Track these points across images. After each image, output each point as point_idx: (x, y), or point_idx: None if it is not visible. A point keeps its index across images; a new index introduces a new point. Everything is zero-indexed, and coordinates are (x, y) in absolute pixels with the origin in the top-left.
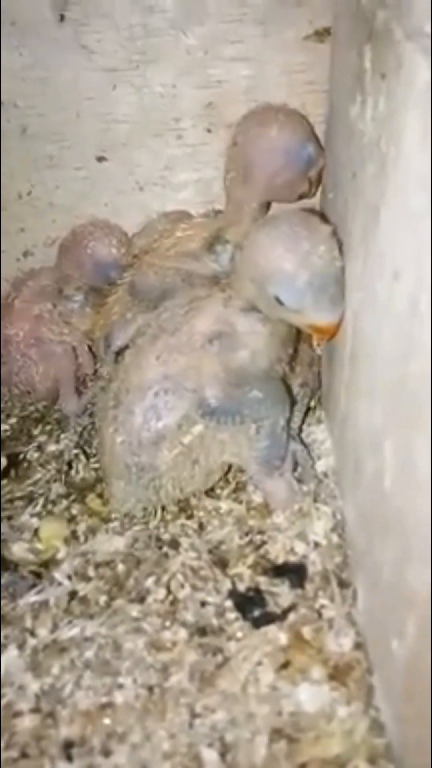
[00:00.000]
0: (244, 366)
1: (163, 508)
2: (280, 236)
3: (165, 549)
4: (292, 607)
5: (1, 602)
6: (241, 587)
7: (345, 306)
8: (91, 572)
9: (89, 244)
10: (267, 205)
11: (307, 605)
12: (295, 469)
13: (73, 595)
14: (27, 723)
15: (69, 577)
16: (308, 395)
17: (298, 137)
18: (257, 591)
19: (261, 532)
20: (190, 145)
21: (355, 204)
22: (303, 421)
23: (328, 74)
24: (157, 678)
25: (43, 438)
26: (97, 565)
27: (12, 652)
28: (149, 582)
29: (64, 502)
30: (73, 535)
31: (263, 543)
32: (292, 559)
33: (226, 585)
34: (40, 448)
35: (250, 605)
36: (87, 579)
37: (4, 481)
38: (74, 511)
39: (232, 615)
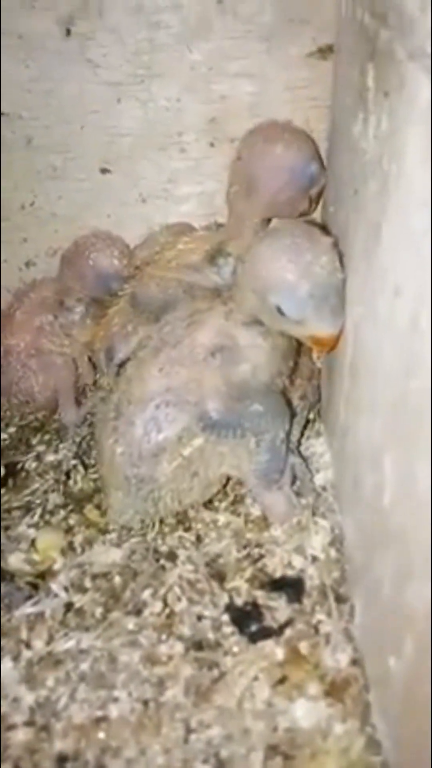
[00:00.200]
0: (245, 379)
1: (161, 521)
2: (282, 247)
3: (162, 561)
4: (289, 622)
5: None
6: (239, 601)
7: (345, 318)
8: (87, 584)
9: (91, 256)
10: (268, 220)
11: (304, 620)
12: (293, 483)
13: (69, 606)
14: (21, 736)
15: (65, 589)
16: (307, 408)
17: (302, 156)
18: (254, 605)
19: (259, 545)
20: (194, 158)
21: (356, 220)
22: (302, 434)
23: (330, 91)
24: (152, 692)
25: (41, 448)
26: (94, 577)
27: (7, 663)
28: (146, 595)
29: (62, 513)
30: (70, 546)
31: (261, 556)
32: (290, 573)
33: (223, 599)
34: (38, 457)
35: (247, 620)
36: (83, 591)
37: (2, 491)
38: (72, 522)
39: (228, 629)
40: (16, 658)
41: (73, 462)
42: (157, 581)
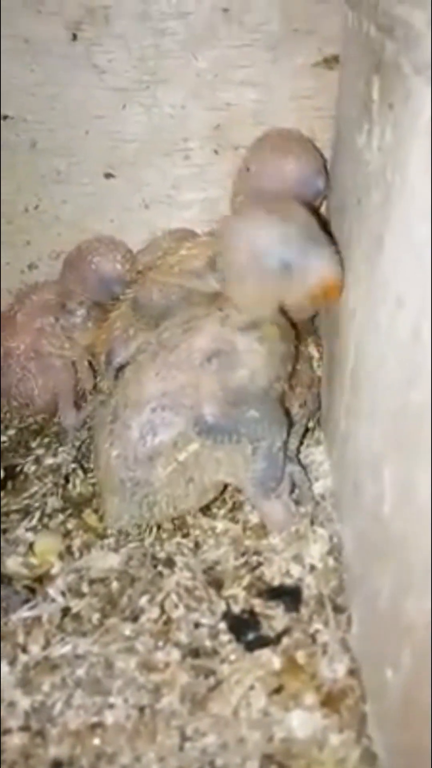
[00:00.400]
0: (242, 385)
1: (159, 527)
2: (256, 214)
3: (160, 568)
4: (286, 631)
5: None
6: (236, 609)
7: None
8: (84, 589)
9: (94, 260)
10: None
11: (301, 629)
12: (292, 491)
13: (66, 611)
14: (16, 741)
15: (63, 594)
16: (307, 416)
17: (311, 169)
18: (252, 613)
19: (257, 553)
20: (197, 165)
21: (359, 230)
22: (301, 442)
23: (335, 101)
24: (148, 699)
25: (40, 451)
26: (91, 582)
27: (3, 668)
28: (143, 601)
29: (60, 517)
30: (68, 550)
31: (259, 564)
32: (288, 581)
33: (221, 606)
34: (37, 461)
35: (244, 628)
36: (81, 596)
37: (1, 494)
38: (70, 526)
39: (225, 637)
40: (12, 663)
41: (73, 466)
42: (155, 587)
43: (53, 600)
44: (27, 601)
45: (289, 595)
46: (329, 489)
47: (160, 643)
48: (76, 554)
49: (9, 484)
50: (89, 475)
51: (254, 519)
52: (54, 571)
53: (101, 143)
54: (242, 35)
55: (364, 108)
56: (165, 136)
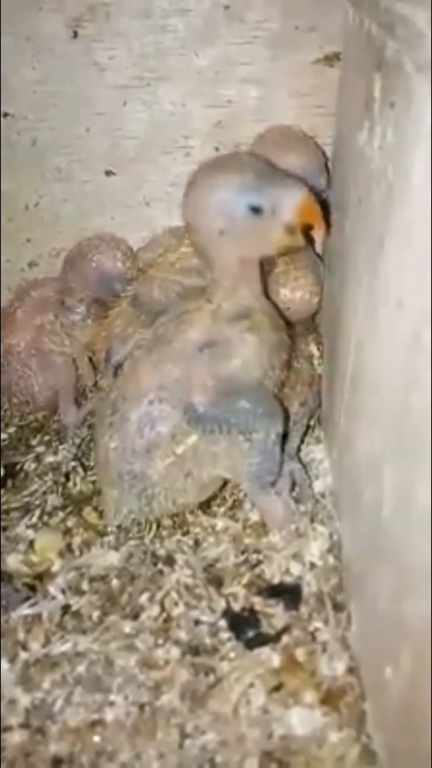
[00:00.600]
0: (233, 374)
1: (158, 525)
2: (207, 174)
3: (160, 565)
4: (285, 629)
5: None
6: (236, 607)
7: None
8: (85, 586)
9: (94, 257)
10: None
11: (301, 627)
12: (293, 489)
13: (66, 609)
14: (16, 738)
15: (63, 591)
16: (308, 415)
17: (313, 167)
18: (251, 611)
19: (257, 551)
20: (198, 162)
21: (360, 230)
22: (302, 440)
23: (336, 98)
24: (148, 696)
25: (41, 449)
26: (92, 580)
27: (4, 665)
28: (143, 598)
29: (60, 515)
30: (68, 548)
31: (259, 562)
32: (288, 579)
33: (221, 604)
34: (38, 458)
35: (244, 626)
36: (81, 593)
37: (1, 491)
38: (70, 524)
39: (225, 635)
40: (12, 660)
41: (73, 464)
42: (155, 585)
43: (53, 597)
44: (27, 598)
45: (288, 593)
46: (329, 487)
47: (160, 641)
48: (77, 552)
49: (9, 482)
50: (89, 472)
51: (254, 517)
52: (54, 568)
53: (102, 141)
54: (243, 32)
55: (365, 106)
56: (166, 133)
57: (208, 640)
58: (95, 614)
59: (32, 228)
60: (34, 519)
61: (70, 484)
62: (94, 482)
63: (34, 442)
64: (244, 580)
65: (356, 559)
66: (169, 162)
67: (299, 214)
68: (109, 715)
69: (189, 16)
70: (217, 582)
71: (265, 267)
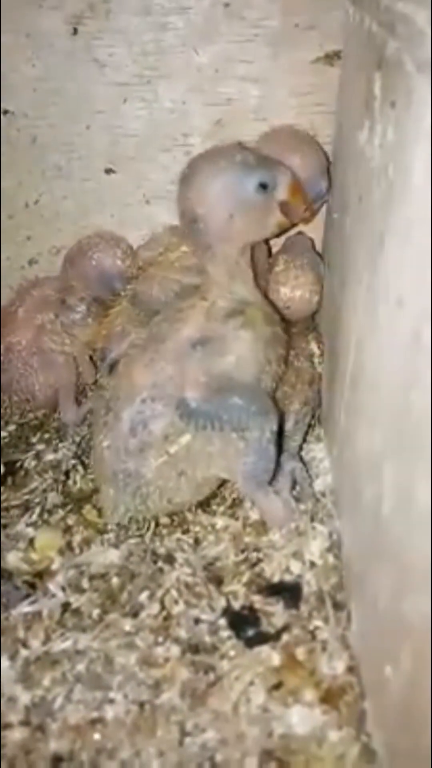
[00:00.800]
0: (226, 371)
1: (158, 523)
2: (208, 160)
3: (160, 563)
4: (285, 628)
5: None
6: (236, 605)
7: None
8: (85, 584)
9: (94, 256)
10: None
11: (300, 626)
12: (293, 487)
13: (66, 607)
14: (16, 735)
15: (63, 589)
16: (309, 414)
17: (314, 170)
18: (251, 610)
19: (257, 549)
20: None
21: (360, 228)
22: (304, 440)
23: (336, 97)
24: (148, 694)
25: (41, 446)
26: (92, 578)
27: (4, 663)
28: (143, 596)
29: (60, 512)
30: (68, 546)
31: (259, 561)
32: (288, 578)
33: (221, 602)
34: (38, 456)
35: (244, 624)
36: (81, 591)
37: (1, 489)
38: (70, 522)
39: (225, 633)
40: (12, 658)
41: (73, 462)
42: (155, 583)
43: (53, 595)
44: (27, 596)
45: (288, 592)
46: (329, 486)
47: (160, 639)
48: (77, 550)
49: (9, 480)
50: (89, 470)
51: (254, 516)
52: (54, 566)
53: (102, 138)
54: (243, 30)
55: (365, 105)
56: (166, 131)
57: (208, 639)
58: (95, 612)
59: (32, 226)
60: (34, 517)
61: (70, 482)
62: (93, 480)
63: (34, 440)
64: (244, 579)
65: (356, 558)
66: (169, 160)
67: (293, 195)
68: (109, 713)
69: (189, 13)
70: (217, 580)
71: (264, 265)
